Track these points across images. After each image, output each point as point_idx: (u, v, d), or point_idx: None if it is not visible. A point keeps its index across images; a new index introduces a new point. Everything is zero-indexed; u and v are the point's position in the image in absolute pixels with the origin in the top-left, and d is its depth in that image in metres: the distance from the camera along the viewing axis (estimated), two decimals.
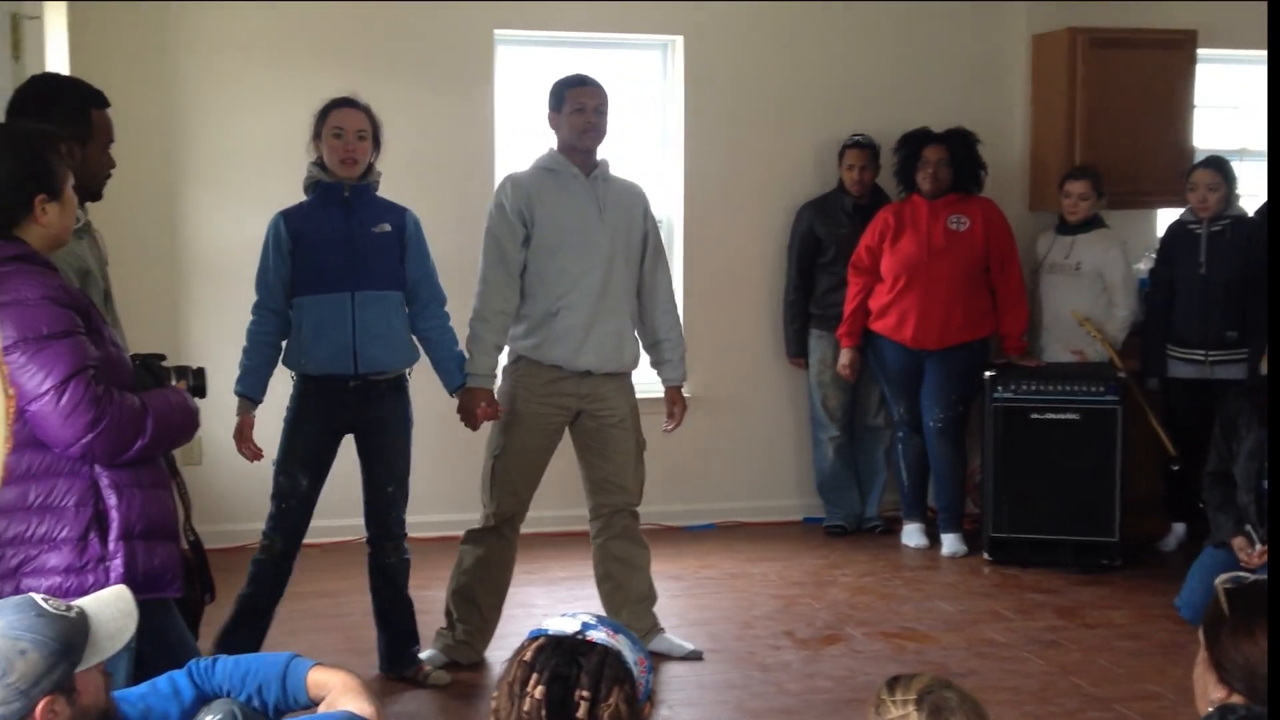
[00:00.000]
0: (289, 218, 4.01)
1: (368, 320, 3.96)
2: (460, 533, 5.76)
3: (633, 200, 4.30)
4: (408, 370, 4.14)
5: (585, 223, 4.16)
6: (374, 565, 4.20)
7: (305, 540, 4.52)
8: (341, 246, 3.94)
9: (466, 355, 4.19)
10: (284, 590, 4.08)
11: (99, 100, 3.23)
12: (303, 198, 4.07)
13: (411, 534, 5.73)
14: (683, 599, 5.21)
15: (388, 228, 4.03)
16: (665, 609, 5.07)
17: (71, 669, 2.00)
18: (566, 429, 4.36)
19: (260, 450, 4.03)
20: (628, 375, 4.38)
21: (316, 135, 4.02)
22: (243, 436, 4.02)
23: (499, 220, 4.18)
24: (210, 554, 3.03)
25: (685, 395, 6.14)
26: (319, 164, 4.01)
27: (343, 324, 3.93)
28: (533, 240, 4.16)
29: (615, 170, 4.35)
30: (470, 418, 4.19)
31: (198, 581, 2.98)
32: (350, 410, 4.04)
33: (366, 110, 4.03)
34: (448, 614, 4.37)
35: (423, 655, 4.27)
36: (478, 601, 4.34)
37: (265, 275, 4.01)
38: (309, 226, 3.98)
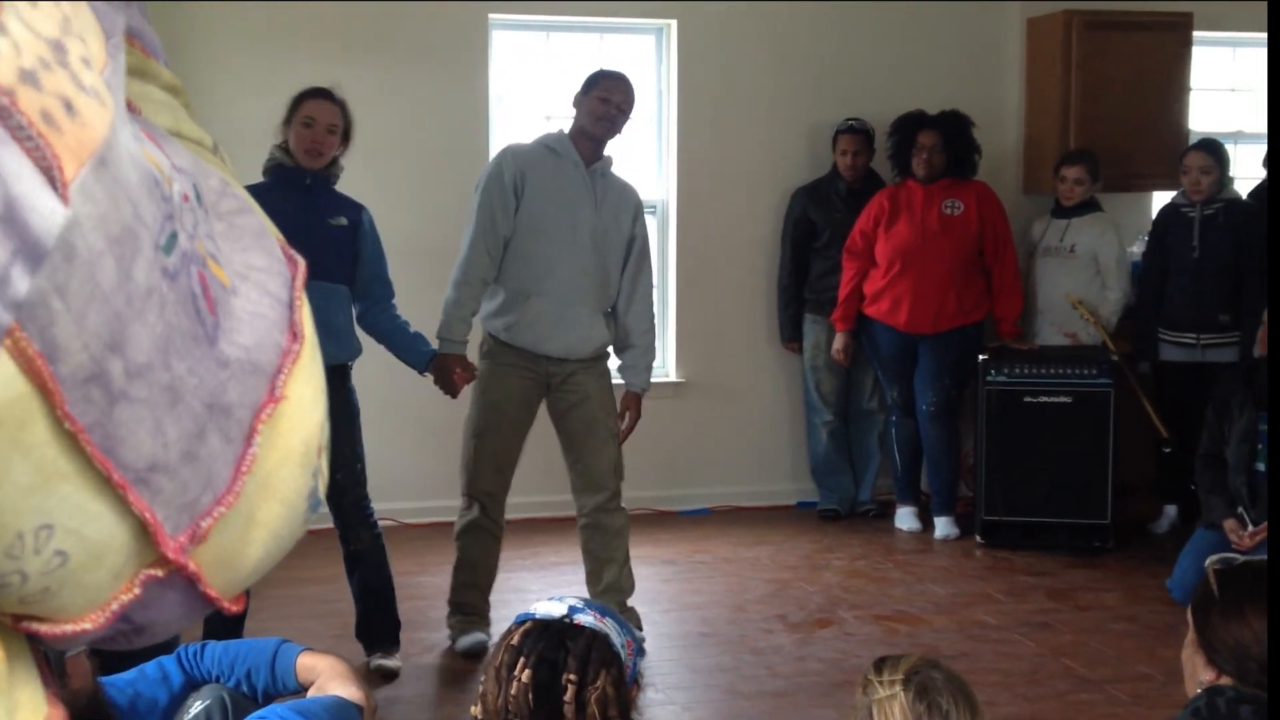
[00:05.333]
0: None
1: (313, 311, 3.90)
2: (447, 518, 5.83)
3: (625, 202, 4.28)
4: (350, 363, 4.08)
5: (573, 211, 4.14)
6: (345, 554, 4.19)
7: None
8: (294, 235, 3.87)
9: (442, 320, 4.16)
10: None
11: None
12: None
13: (404, 520, 5.84)
14: (676, 583, 5.22)
15: (344, 221, 3.99)
16: (659, 593, 5.10)
17: (61, 654, 2.00)
18: (546, 413, 4.37)
19: None
20: (601, 360, 4.34)
21: (287, 121, 3.98)
22: None
23: (495, 188, 4.15)
24: None
25: (680, 381, 6.24)
26: (284, 149, 3.97)
27: None
28: (521, 217, 4.14)
29: (616, 165, 4.33)
30: (449, 386, 4.16)
31: None
32: None
33: (342, 105, 3.99)
34: (454, 605, 4.37)
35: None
36: (481, 587, 4.36)
37: None
38: (262, 209, 3.91)
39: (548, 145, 4.22)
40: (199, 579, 0.55)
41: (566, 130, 4.27)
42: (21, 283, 0.45)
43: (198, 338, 0.52)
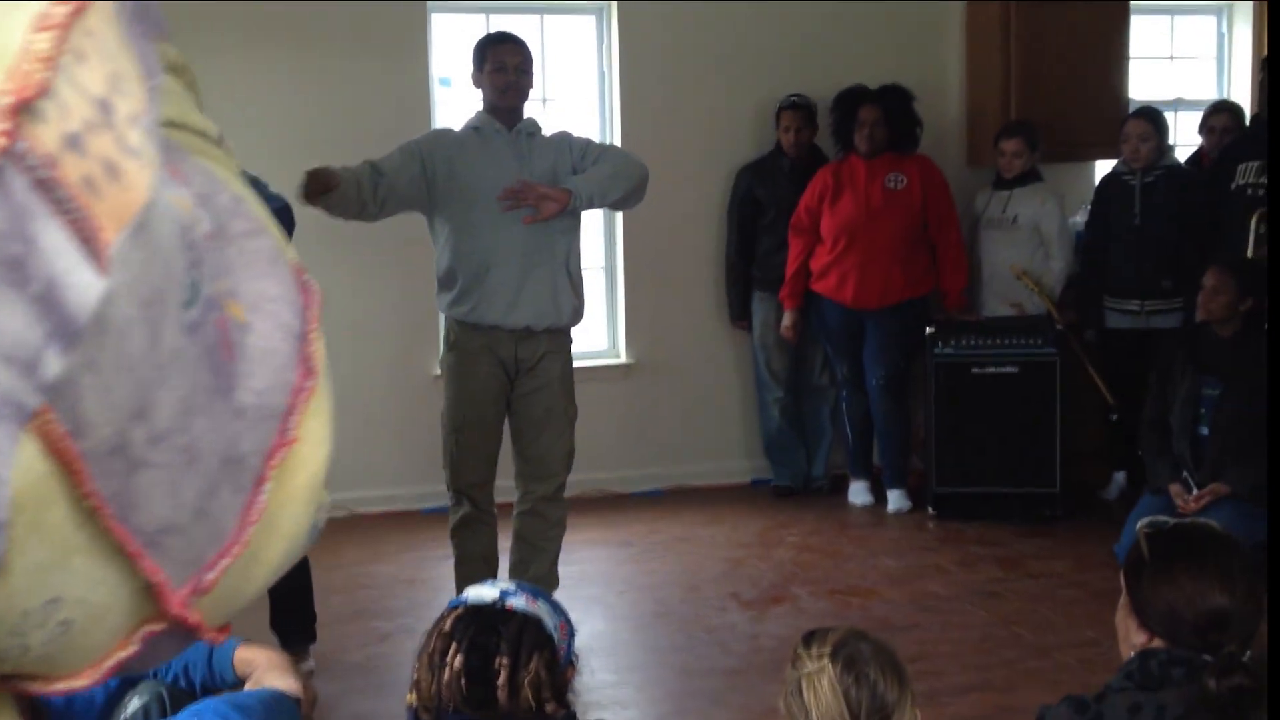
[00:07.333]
0: None
1: None
2: (409, 507, 5.82)
3: (557, 149, 4.18)
4: None
5: (507, 176, 4.06)
6: None
7: None
8: None
9: None
10: None
11: None
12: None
13: (360, 509, 5.82)
14: (630, 565, 5.23)
15: None
16: (613, 574, 5.11)
17: None
18: None
19: None
20: (566, 334, 4.26)
21: None
22: None
23: (408, 147, 4.13)
24: None
25: (630, 362, 6.24)
26: None
27: None
28: (456, 197, 4.09)
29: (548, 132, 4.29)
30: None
31: None
32: None
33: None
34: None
35: None
36: (485, 580, 4.23)
37: None
38: None
39: (472, 125, 4.19)
40: (200, 628, 0.53)
41: (482, 105, 4.21)
42: (55, 364, 0.42)
43: (216, 391, 0.50)
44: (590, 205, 4.17)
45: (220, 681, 2.30)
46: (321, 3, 5.73)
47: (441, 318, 4.39)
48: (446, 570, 4.42)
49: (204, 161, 0.55)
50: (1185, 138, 6.41)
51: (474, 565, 4.20)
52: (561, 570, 4.41)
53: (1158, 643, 2.18)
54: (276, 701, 2.15)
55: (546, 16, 6.19)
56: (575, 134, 4.30)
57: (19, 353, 0.41)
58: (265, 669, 2.25)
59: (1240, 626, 2.10)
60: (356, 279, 5.81)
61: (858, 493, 6.02)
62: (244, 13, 5.65)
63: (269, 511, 0.53)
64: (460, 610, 1.90)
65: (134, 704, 2.26)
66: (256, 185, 3.88)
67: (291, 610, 4.08)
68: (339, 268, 5.76)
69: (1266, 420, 3.84)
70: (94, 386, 0.44)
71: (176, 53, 0.60)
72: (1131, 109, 5.98)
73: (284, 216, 3.83)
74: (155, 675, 2.31)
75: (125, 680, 2.30)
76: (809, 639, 1.83)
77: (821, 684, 1.74)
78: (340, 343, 6.08)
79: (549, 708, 1.83)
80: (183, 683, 2.30)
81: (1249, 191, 5.27)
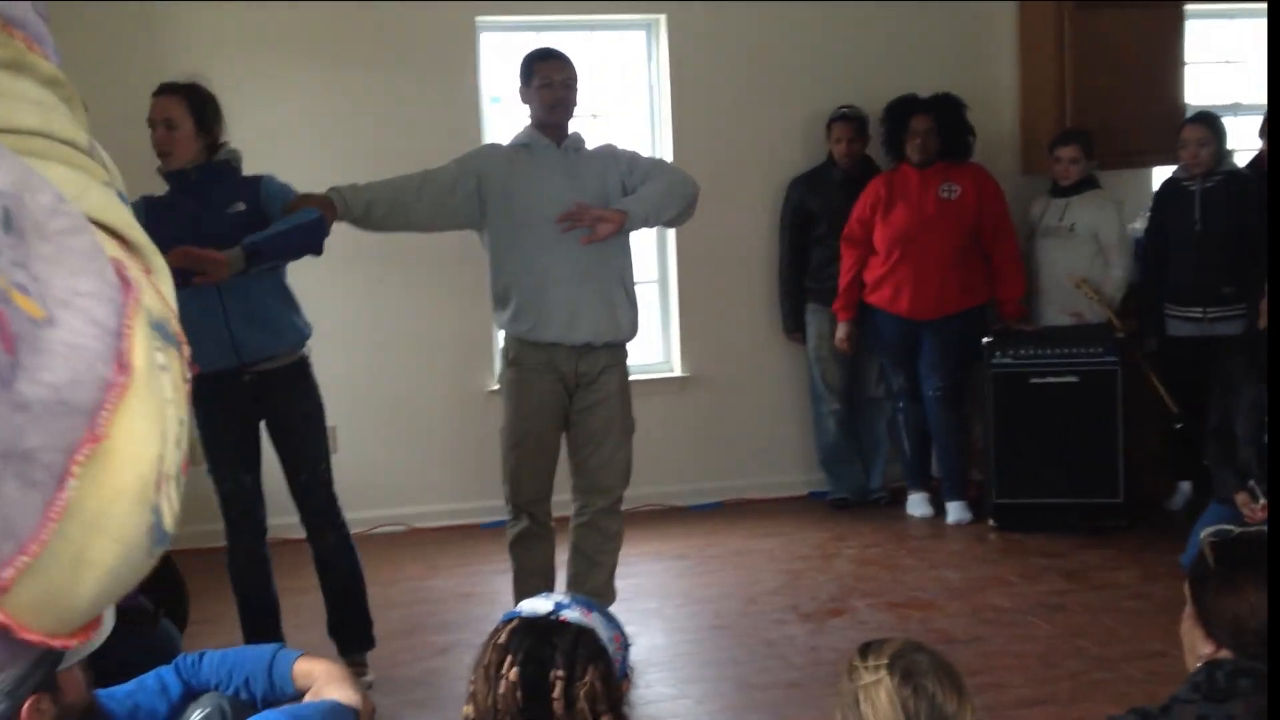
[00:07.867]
0: (150, 206, 3.79)
1: (237, 308, 3.77)
2: (467, 521, 5.85)
3: (604, 163, 4.18)
4: (305, 352, 3.97)
5: (559, 193, 4.06)
6: (314, 556, 4.12)
7: (290, 536, 4.55)
8: (191, 236, 3.64)
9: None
10: (273, 588, 4.07)
11: None
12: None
13: (418, 524, 5.85)
14: (689, 578, 5.21)
15: (242, 207, 3.81)
16: (672, 587, 5.10)
17: (54, 667, 2.01)
18: None
19: None
20: (624, 348, 4.25)
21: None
22: None
23: (463, 161, 4.14)
24: (210, 553, 3.03)
25: (685, 375, 6.23)
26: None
27: (214, 316, 3.74)
28: (509, 214, 4.09)
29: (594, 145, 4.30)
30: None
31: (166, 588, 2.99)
32: (253, 400, 3.90)
33: (185, 93, 3.81)
34: None
35: None
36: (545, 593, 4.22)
37: None
38: (160, 218, 3.67)
39: (521, 142, 4.20)
40: (10, 627, 0.52)
41: (530, 121, 4.21)
42: None
43: None
44: (644, 225, 4.18)
45: (280, 693, 2.32)
46: (373, 24, 5.79)
47: (497, 333, 4.41)
48: (504, 584, 4.43)
49: (37, 163, 0.55)
50: (1242, 143, 6.31)
51: (532, 579, 4.21)
52: (619, 583, 4.41)
53: (1224, 653, 2.14)
54: (336, 712, 2.17)
55: (595, 32, 6.21)
56: (620, 147, 4.32)
57: None
58: (325, 681, 2.27)
59: None
60: (412, 296, 5.85)
61: (917, 504, 5.97)
62: (296, 33, 5.73)
63: (91, 512, 0.52)
64: (515, 622, 1.90)
65: (196, 716, 2.28)
66: (286, 194, 3.92)
67: (346, 617, 4.13)
68: (395, 285, 5.81)
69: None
70: None
71: (52, 68, 0.60)
72: (1188, 114, 5.89)
73: (317, 229, 3.84)
74: (216, 688, 2.34)
75: (187, 693, 2.33)
76: (865, 650, 1.81)
77: (879, 695, 1.72)
78: (397, 359, 6.16)
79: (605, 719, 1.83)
80: (244, 695, 2.33)
81: None
